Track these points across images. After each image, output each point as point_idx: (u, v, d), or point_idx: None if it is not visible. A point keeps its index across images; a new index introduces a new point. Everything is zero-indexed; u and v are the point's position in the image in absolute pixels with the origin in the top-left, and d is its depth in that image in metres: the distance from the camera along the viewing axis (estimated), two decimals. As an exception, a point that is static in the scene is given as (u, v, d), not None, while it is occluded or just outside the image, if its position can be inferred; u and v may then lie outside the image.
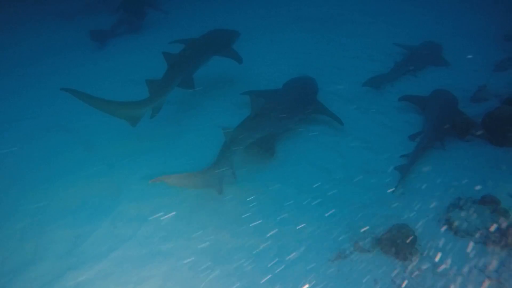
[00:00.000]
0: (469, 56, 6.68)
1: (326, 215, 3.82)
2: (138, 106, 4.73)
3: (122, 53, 8.87)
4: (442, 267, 3.16)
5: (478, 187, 3.83)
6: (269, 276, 3.27)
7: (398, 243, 3.31)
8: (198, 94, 6.31)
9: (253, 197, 4.13)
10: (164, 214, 4.01)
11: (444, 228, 3.49)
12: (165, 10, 10.43)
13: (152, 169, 4.73)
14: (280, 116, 4.62)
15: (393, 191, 3.98)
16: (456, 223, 3.43)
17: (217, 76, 6.80)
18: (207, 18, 10.07)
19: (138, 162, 4.90)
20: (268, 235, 3.66)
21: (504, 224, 3.27)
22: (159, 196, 4.30)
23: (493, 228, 3.24)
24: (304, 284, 3.18)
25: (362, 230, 3.64)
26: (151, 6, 10.19)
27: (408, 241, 3.31)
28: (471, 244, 3.27)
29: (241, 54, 5.71)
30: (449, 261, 3.18)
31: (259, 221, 3.80)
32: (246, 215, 3.91)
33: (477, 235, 3.31)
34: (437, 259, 3.22)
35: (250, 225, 3.74)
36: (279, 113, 4.62)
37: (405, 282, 3.11)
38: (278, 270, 3.31)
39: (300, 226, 3.72)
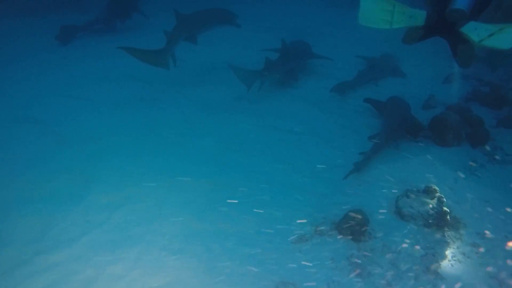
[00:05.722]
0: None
1: (289, 205, 4.14)
2: (162, 52, 5.93)
3: (95, 52, 8.83)
4: (389, 247, 3.58)
5: (423, 180, 4.34)
6: (235, 256, 3.52)
7: (353, 225, 3.69)
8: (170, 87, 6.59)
9: (218, 186, 4.38)
10: (135, 202, 4.16)
11: (393, 213, 3.94)
12: (146, 14, 10.42)
13: (123, 160, 4.85)
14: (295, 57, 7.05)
15: (345, 178, 4.43)
16: (403, 210, 3.88)
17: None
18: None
19: (108, 153, 4.99)
20: (236, 221, 3.92)
21: (439, 210, 3.76)
22: (130, 186, 4.43)
23: (430, 212, 3.73)
24: (267, 264, 3.45)
25: (323, 216, 4.00)
26: (136, 10, 10.16)
27: (362, 224, 3.70)
28: (414, 227, 3.73)
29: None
30: (396, 241, 3.61)
31: (229, 209, 4.05)
32: (217, 205, 4.14)
33: (420, 219, 3.77)
34: (385, 240, 3.63)
35: (221, 211, 3.98)
36: (295, 54, 7.07)
37: (358, 260, 3.48)
38: (244, 251, 3.57)
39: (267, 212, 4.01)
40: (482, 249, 3.56)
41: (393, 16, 3.18)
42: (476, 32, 2.88)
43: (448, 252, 3.50)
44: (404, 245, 3.56)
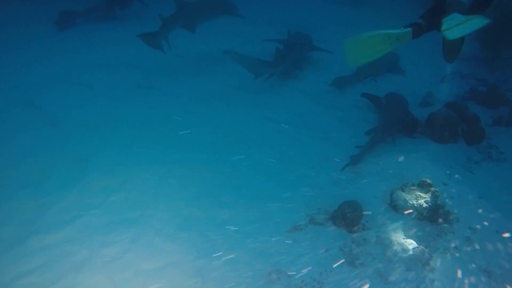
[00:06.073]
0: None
1: (285, 194, 4.16)
2: (156, 35, 6.33)
3: (94, 39, 8.76)
4: (382, 239, 3.61)
5: (418, 175, 4.36)
6: (229, 242, 3.53)
7: (348, 217, 3.72)
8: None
9: (215, 175, 4.39)
10: (131, 187, 4.16)
11: (387, 206, 3.97)
12: (146, 2, 10.34)
13: (119, 145, 4.84)
14: (298, 50, 7.09)
15: (342, 170, 4.48)
16: (397, 202, 3.92)
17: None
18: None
19: (105, 138, 4.98)
20: (230, 208, 3.93)
21: (433, 203, 3.80)
22: (126, 172, 4.42)
23: (424, 206, 3.77)
24: (261, 251, 3.47)
25: (317, 207, 4.02)
26: None
27: (356, 216, 3.73)
28: (408, 220, 3.76)
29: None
30: (389, 232, 3.64)
31: (224, 196, 4.06)
32: (212, 193, 4.15)
33: (413, 212, 3.81)
34: (379, 231, 3.67)
35: (216, 198, 3.99)
36: (298, 48, 7.10)
37: (351, 250, 3.51)
38: (237, 238, 3.58)
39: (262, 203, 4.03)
40: (474, 243, 3.60)
41: (380, 45, 3.12)
42: (450, 22, 2.80)
43: (440, 245, 3.54)
44: (397, 237, 3.60)
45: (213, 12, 7.16)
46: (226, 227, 3.71)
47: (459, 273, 3.34)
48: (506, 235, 3.68)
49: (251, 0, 11.88)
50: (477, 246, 3.58)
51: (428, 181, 4.05)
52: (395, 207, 3.93)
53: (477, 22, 2.78)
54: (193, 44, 7.74)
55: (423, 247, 3.45)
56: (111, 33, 8.99)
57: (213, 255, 3.40)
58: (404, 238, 3.59)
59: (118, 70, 6.97)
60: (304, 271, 3.31)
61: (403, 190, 4.03)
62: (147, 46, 6.36)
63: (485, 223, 3.82)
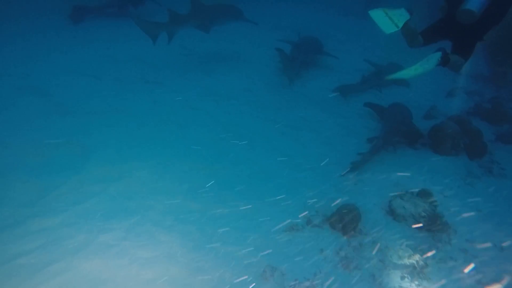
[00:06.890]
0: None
1: (284, 194, 4.18)
2: (156, 26, 6.44)
3: (105, 34, 8.90)
4: (379, 244, 3.61)
5: (418, 184, 4.38)
6: (225, 238, 3.55)
7: (345, 220, 3.72)
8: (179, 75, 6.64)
9: (215, 171, 4.43)
10: (131, 177, 4.20)
11: (385, 213, 3.98)
12: (159, 1, 10.47)
13: (122, 136, 4.90)
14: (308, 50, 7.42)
15: (343, 174, 4.51)
16: (395, 210, 3.93)
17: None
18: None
19: (109, 128, 5.04)
20: (229, 205, 3.95)
21: (431, 213, 3.80)
22: (128, 162, 4.47)
23: (422, 215, 3.77)
24: (256, 248, 3.48)
25: (315, 209, 4.03)
26: None
27: (353, 220, 3.74)
28: (405, 227, 3.77)
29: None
30: (386, 238, 3.64)
31: (223, 192, 4.09)
32: (211, 188, 4.17)
33: (411, 220, 3.81)
34: (375, 237, 3.67)
35: (215, 194, 4.01)
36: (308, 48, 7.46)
37: (347, 253, 3.52)
38: (234, 235, 3.60)
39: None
40: (470, 255, 3.60)
41: (393, 19, 3.44)
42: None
43: (436, 254, 3.53)
44: (393, 244, 3.60)
45: (226, 17, 7.26)
46: (223, 222, 3.73)
47: (454, 284, 3.33)
48: (503, 247, 3.67)
49: (260, 6, 12.06)
50: (473, 258, 3.57)
51: (428, 190, 4.06)
52: (393, 214, 3.94)
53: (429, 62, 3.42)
54: (203, 45, 7.85)
55: (419, 255, 3.45)
56: (123, 29, 9.10)
57: (209, 249, 3.42)
58: (400, 245, 3.59)
59: (127, 65, 7.07)
60: (298, 270, 3.31)
61: (402, 198, 4.04)
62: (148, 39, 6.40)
63: (483, 236, 3.81)
